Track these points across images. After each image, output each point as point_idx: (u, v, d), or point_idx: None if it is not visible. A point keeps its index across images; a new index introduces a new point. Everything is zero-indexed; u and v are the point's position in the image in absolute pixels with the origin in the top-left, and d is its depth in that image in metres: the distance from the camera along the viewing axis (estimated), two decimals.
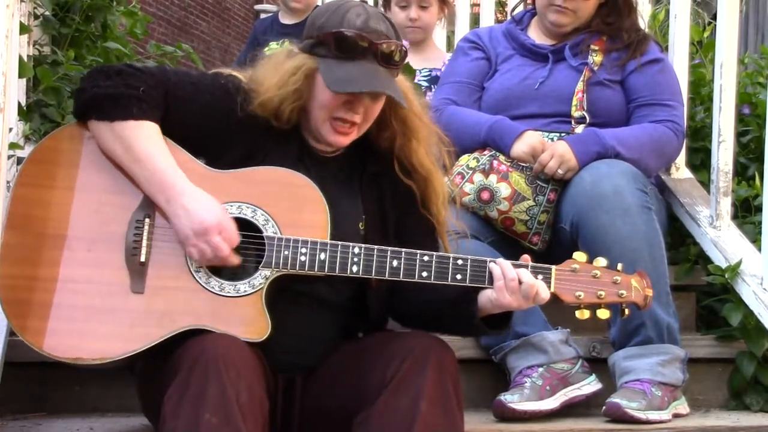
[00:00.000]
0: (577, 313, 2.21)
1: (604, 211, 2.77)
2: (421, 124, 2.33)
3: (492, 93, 3.14)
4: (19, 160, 2.74)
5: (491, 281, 2.16)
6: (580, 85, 3.04)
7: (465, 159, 2.97)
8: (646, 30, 3.31)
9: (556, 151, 2.88)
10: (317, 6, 4.50)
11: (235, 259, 2.13)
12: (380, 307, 2.32)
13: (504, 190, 2.91)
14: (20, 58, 2.89)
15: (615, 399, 2.65)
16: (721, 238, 3.10)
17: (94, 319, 2.09)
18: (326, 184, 2.21)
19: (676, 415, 2.73)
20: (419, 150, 2.32)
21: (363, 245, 2.16)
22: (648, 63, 3.09)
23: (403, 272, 2.16)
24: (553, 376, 2.73)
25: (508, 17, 3.40)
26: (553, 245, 2.89)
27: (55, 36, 3.41)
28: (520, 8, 3.45)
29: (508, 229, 2.92)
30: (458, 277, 2.17)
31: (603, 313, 2.20)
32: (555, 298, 2.20)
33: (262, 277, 2.14)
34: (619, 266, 2.23)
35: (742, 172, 3.55)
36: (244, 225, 2.16)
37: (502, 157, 2.94)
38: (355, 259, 2.15)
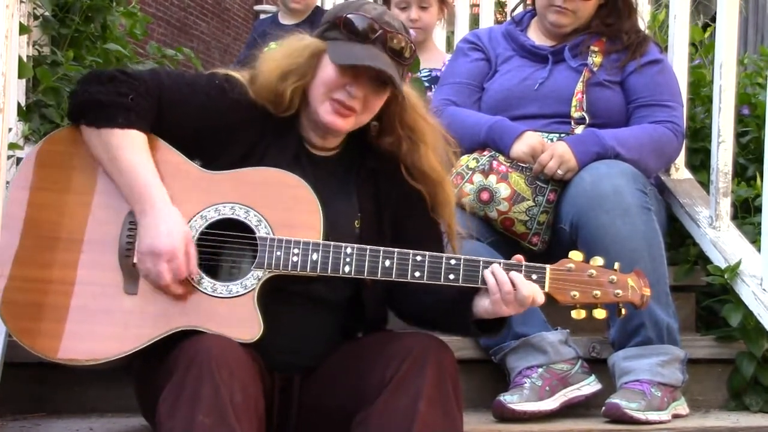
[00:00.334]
0: (573, 313, 2.19)
1: (603, 211, 2.77)
2: (429, 127, 2.33)
3: (492, 94, 3.14)
4: (19, 161, 2.74)
5: (484, 281, 2.16)
6: (579, 86, 3.04)
7: (464, 159, 2.97)
8: (646, 31, 3.32)
9: (555, 151, 2.89)
10: (317, 6, 4.53)
11: (178, 289, 2.11)
12: (377, 306, 2.32)
13: (503, 190, 2.91)
14: (20, 59, 2.89)
15: (614, 399, 2.65)
16: (720, 238, 3.10)
17: (88, 320, 2.10)
18: (322, 183, 2.21)
19: (676, 416, 2.73)
20: (429, 155, 2.32)
21: (355, 245, 2.16)
22: (648, 64, 3.09)
23: (396, 272, 2.16)
24: (552, 376, 2.73)
25: (508, 18, 3.40)
26: (553, 246, 2.89)
27: (55, 36, 3.40)
28: (520, 9, 3.45)
29: (508, 229, 2.93)
30: (451, 277, 2.16)
31: (599, 313, 2.18)
32: (549, 298, 2.18)
33: (254, 278, 2.14)
34: (616, 265, 2.21)
35: (742, 173, 3.55)
36: (237, 226, 2.16)
37: (501, 158, 2.95)
38: (348, 260, 2.15)
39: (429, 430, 2.06)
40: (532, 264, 2.19)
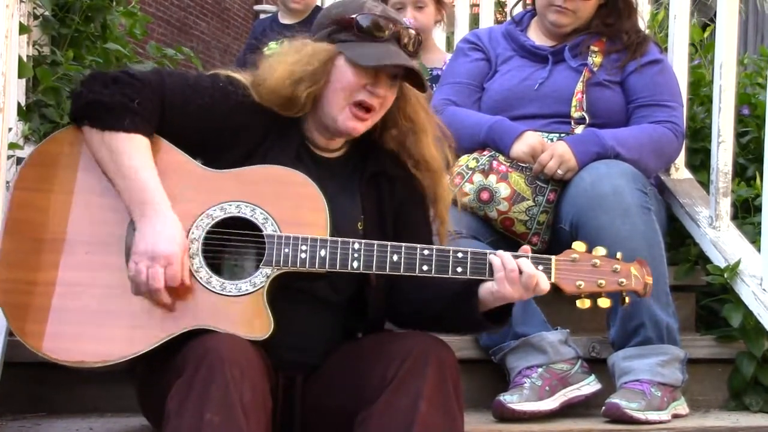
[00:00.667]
0: (578, 303, 2.21)
1: (603, 211, 2.77)
2: (428, 118, 2.36)
3: (492, 94, 3.14)
4: (19, 160, 2.74)
5: (491, 273, 2.17)
6: (579, 86, 3.04)
7: (464, 159, 2.97)
8: (646, 31, 3.32)
9: (555, 151, 2.89)
10: (317, 6, 4.53)
11: (165, 298, 2.09)
12: (379, 305, 2.32)
13: (503, 190, 2.91)
14: (20, 59, 2.89)
15: (614, 399, 2.65)
16: (720, 238, 3.10)
17: (95, 322, 2.09)
18: (325, 183, 2.21)
19: (676, 416, 2.73)
20: (430, 144, 2.34)
21: (363, 241, 2.16)
22: (648, 64, 3.09)
23: (404, 266, 2.16)
24: (552, 376, 2.73)
25: (508, 18, 3.40)
26: (553, 245, 2.89)
27: (55, 36, 3.41)
28: (519, 7, 3.45)
29: (508, 229, 2.93)
30: (459, 269, 2.17)
31: (604, 302, 2.21)
32: (556, 288, 2.20)
33: (263, 276, 2.14)
34: (618, 255, 2.23)
35: (742, 173, 3.55)
36: (244, 224, 2.16)
37: (501, 158, 2.95)
38: (356, 255, 2.15)
39: (429, 430, 2.06)
40: (538, 255, 2.20)
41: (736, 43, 3.20)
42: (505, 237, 2.93)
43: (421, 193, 2.37)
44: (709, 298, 3.15)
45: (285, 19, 4.48)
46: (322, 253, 2.14)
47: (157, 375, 2.13)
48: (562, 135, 2.98)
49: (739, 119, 3.63)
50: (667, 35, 3.53)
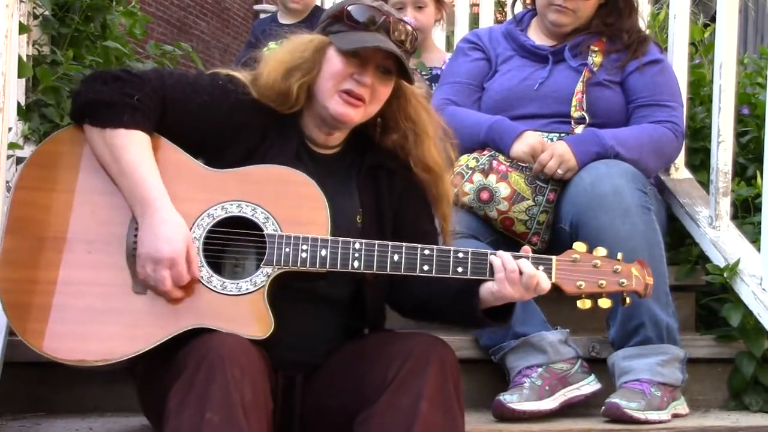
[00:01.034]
0: (579, 303, 2.21)
1: (603, 211, 2.77)
2: (430, 119, 2.36)
3: (492, 93, 3.15)
4: (19, 160, 2.74)
5: (492, 273, 2.17)
6: (579, 86, 3.04)
7: (464, 159, 2.97)
8: (646, 31, 3.32)
9: (555, 151, 2.89)
10: (316, 6, 4.54)
11: (177, 294, 2.10)
12: (378, 303, 2.33)
13: (503, 190, 2.91)
14: (19, 58, 2.89)
15: (614, 399, 2.65)
16: (720, 238, 3.10)
17: (96, 321, 2.09)
18: (323, 181, 2.21)
19: (676, 416, 2.73)
20: (431, 147, 2.35)
21: (364, 240, 2.17)
22: (648, 64, 3.09)
23: (405, 266, 2.17)
24: (552, 376, 2.73)
25: (508, 17, 3.40)
26: (553, 245, 2.89)
27: (55, 36, 3.41)
28: (518, 5, 3.45)
29: (508, 229, 2.93)
30: (459, 269, 2.18)
31: (604, 303, 2.21)
32: (556, 288, 2.20)
33: (264, 275, 2.14)
34: (619, 255, 2.24)
35: (742, 173, 3.56)
36: (245, 223, 2.16)
37: (501, 157, 2.95)
38: (356, 255, 2.16)
39: (430, 430, 2.06)
40: (538, 255, 2.21)
41: (736, 42, 3.20)
42: (505, 237, 2.94)
43: (421, 187, 2.37)
44: (708, 297, 3.15)
45: (284, 19, 4.48)
46: (323, 252, 2.15)
47: (157, 374, 2.13)
48: (562, 135, 2.99)
49: (739, 119, 3.63)
50: (667, 35, 3.53)
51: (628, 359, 2.75)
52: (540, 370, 2.73)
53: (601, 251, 2.23)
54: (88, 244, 2.13)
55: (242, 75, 2.30)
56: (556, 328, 2.81)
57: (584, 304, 2.21)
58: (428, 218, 2.40)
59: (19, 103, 2.98)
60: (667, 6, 3.66)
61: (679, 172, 3.40)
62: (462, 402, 2.16)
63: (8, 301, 2.10)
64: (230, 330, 2.08)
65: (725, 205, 3.14)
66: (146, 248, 2.09)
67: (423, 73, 3.75)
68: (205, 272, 2.13)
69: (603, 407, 2.66)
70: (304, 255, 2.14)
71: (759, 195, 3.16)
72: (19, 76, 2.91)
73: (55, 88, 3.17)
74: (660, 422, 2.65)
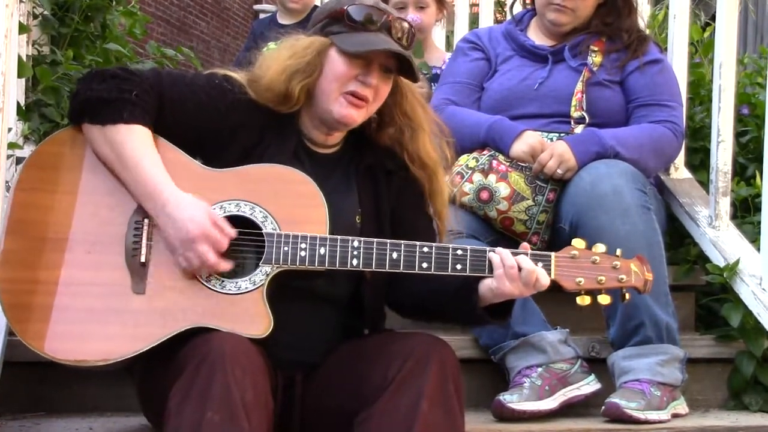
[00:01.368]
0: (578, 300, 2.21)
1: (603, 211, 2.77)
2: (425, 115, 2.36)
3: (491, 93, 3.15)
4: (18, 160, 2.74)
5: (491, 270, 2.18)
6: (579, 86, 3.05)
7: (464, 159, 2.98)
8: (646, 31, 3.32)
9: (555, 150, 2.89)
10: (315, 6, 4.54)
11: (226, 265, 2.12)
12: (377, 302, 2.33)
13: (503, 189, 2.91)
14: (19, 58, 2.89)
15: (614, 399, 2.66)
16: (720, 238, 3.11)
17: (96, 321, 2.10)
18: (322, 179, 2.22)
19: (675, 415, 2.74)
20: (426, 142, 2.35)
21: (362, 239, 2.17)
22: (647, 64, 3.09)
23: (403, 264, 2.17)
24: (552, 376, 2.73)
25: (508, 17, 3.41)
26: (552, 245, 2.89)
27: (54, 36, 3.41)
28: (517, 5, 3.45)
29: (507, 228, 2.93)
30: (458, 267, 2.18)
31: (604, 299, 2.21)
32: (556, 285, 2.20)
33: (262, 274, 2.15)
34: (618, 252, 2.24)
35: (741, 173, 3.56)
36: (243, 222, 2.17)
37: (501, 157, 2.95)
38: (355, 253, 2.16)
39: (430, 430, 2.06)
40: (537, 252, 2.21)
41: (736, 42, 3.20)
42: (505, 236, 2.94)
43: (419, 187, 2.38)
44: (708, 297, 3.15)
45: (283, 20, 4.48)
46: (322, 251, 2.15)
47: (157, 374, 2.13)
48: (562, 134, 2.99)
49: (739, 119, 3.63)
50: (666, 35, 3.54)
51: (628, 359, 2.75)
52: (540, 370, 2.73)
53: (600, 248, 2.23)
54: (87, 245, 2.13)
55: (240, 75, 2.30)
56: (556, 328, 2.81)
57: (583, 300, 2.21)
58: (426, 218, 2.40)
59: (18, 103, 2.99)
60: (667, 6, 3.66)
61: (679, 171, 3.41)
62: (462, 402, 2.16)
63: (8, 301, 2.10)
64: (229, 329, 2.08)
65: (725, 204, 3.14)
66: (175, 238, 2.10)
67: (424, 72, 3.75)
68: (204, 271, 2.14)
69: (603, 407, 2.66)
70: (302, 253, 2.15)
71: (758, 195, 3.17)
72: (19, 76, 2.92)
73: (55, 88, 3.18)
74: (660, 422, 2.65)
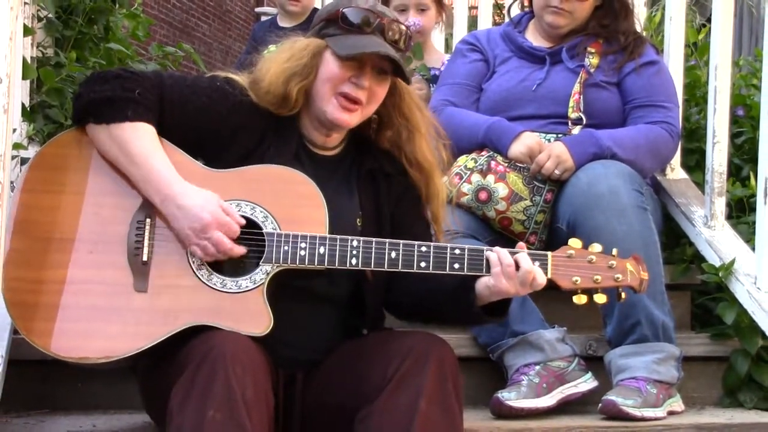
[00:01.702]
0: (575, 299, 2.23)
1: (600, 211, 2.79)
2: (423, 117, 2.38)
3: (490, 94, 3.16)
4: (23, 161, 2.76)
5: (488, 269, 2.19)
6: (576, 87, 3.06)
7: (463, 159, 2.99)
8: (642, 33, 3.33)
9: (553, 151, 2.91)
10: (314, 9, 4.55)
11: (240, 249, 2.15)
12: (377, 301, 2.35)
13: (501, 190, 2.93)
14: (24, 60, 2.90)
15: (611, 396, 2.67)
16: (715, 237, 3.12)
17: (99, 319, 2.12)
18: (323, 181, 2.24)
19: (671, 413, 2.75)
20: (423, 144, 2.37)
21: (361, 238, 2.19)
22: (644, 65, 3.11)
23: (402, 263, 2.19)
24: (549, 374, 2.75)
25: (506, 20, 3.43)
26: (550, 245, 2.90)
27: (58, 38, 3.42)
28: (516, 7, 3.47)
29: (506, 229, 2.95)
30: (456, 266, 2.20)
31: (600, 298, 2.23)
32: (552, 284, 2.22)
33: (263, 273, 2.17)
34: (614, 251, 2.26)
35: (737, 173, 3.57)
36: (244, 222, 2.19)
37: (499, 158, 2.97)
38: (354, 252, 2.18)
39: (429, 428, 2.08)
40: (534, 251, 2.23)
41: (731, 44, 3.21)
42: (503, 236, 2.95)
43: (418, 191, 2.40)
44: (704, 296, 3.16)
45: (283, 22, 4.48)
46: (321, 250, 2.17)
47: (159, 372, 2.15)
48: (560, 135, 3.00)
49: (734, 120, 3.64)
50: (663, 37, 3.55)
51: (625, 357, 2.77)
52: (537, 368, 2.75)
53: (596, 247, 2.25)
54: (90, 244, 2.16)
55: (241, 78, 2.32)
56: (554, 327, 2.82)
57: (580, 299, 2.23)
58: (424, 223, 2.42)
59: (23, 105, 3.00)
60: (663, 8, 3.68)
61: (675, 172, 3.41)
62: (461, 399, 2.17)
63: (12, 300, 2.12)
64: (230, 327, 2.10)
65: (720, 205, 3.15)
66: (189, 227, 2.13)
67: (423, 74, 3.77)
68: (205, 270, 2.16)
69: (599, 404, 2.68)
70: (302, 252, 2.17)
71: (753, 195, 3.17)
72: (24, 77, 2.93)
73: (59, 90, 3.19)
74: (656, 419, 2.67)
